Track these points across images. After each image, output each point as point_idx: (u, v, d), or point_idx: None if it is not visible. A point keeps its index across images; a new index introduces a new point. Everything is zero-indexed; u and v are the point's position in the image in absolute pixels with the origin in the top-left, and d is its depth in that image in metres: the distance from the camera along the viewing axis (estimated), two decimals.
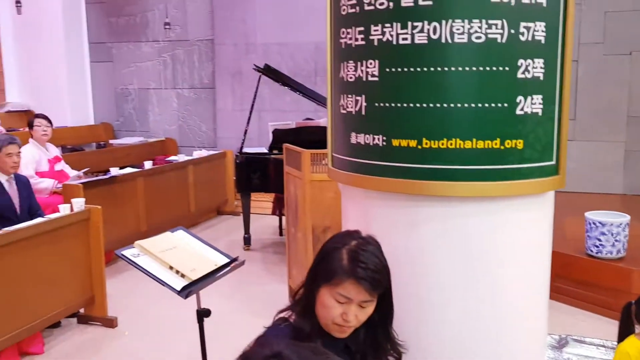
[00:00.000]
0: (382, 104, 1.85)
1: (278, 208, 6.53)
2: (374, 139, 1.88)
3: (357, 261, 1.54)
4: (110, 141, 8.38)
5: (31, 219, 4.13)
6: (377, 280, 1.56)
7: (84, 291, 4.15)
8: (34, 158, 5.36)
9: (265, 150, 6.04)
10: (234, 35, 7.67)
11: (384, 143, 1.86)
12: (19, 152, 4.28)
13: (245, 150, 5.99)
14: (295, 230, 4.35)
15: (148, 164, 6.31)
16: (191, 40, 8.06)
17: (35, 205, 4.40)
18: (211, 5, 7.81)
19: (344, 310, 1.55)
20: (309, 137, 5.39)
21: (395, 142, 1.84)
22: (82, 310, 4.25)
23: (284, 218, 6.54)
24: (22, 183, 4.34)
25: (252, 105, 6.00)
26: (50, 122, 5.59)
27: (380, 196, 1.93)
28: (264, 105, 7.14)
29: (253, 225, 6.16)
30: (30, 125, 5.53)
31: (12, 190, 4.23)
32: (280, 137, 5.68)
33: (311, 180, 4.01)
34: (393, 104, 1.82)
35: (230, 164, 7.69)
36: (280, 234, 6.58)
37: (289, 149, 4.44)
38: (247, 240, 6.06)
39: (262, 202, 7.26)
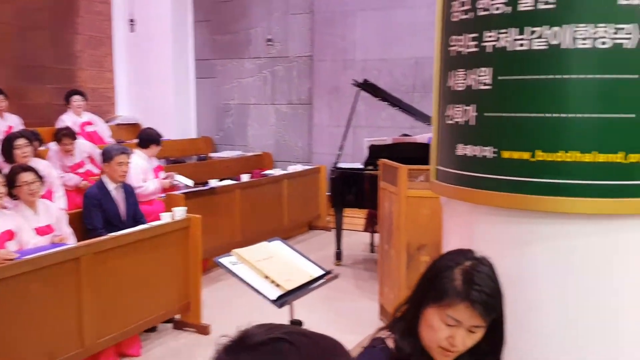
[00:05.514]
0: (493, 114, 1.76)
1: (370, 225, 6.46)
2: (482, 150, 1.79)
3: (471, 283, 1.45)
4: (211, 154, 8.68)
5: (135, 225, 4.33)
6: (491, 305, 1.46)
7: (180, 297, 4.27)
8: (141, 168, 5.61)
9: (361, 166, 6.01)
10: (333, 51, 7.75)
11: (494, 155, 1.76)
12: (129, 162, 4.50)
13: (340, 165, 5.98)
14: (388, 247, 4.26)
15: (245, 177, 6.45)
16: (291, 56, 8.23)
17: (139, 213, 4.60)
18: (312, 22, 7.95)
19: (451, 333, 1.46)
20: (405, 153, 5.28)
21: (505, 154, 1.73)
22: (177, 317, 4.38)
23: (376, 235, 6.49)
24: (128, 191, 4.56)
25: (349, 120, 6.00)
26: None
27: (487, 211, 1.83)
28: (359, 121, 7.13)
29: (344, 241, 6.12)
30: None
31: (119, 197, 4.45)
32: (376, 152, 5.62)
33: (407, 196, 3.91)
34: (505, 114, 1.72)
35: (324, 180, 7.72)
36: (372, 250, 6.49)
37: (385, 164, 4.37)
38: (338, 256, 6.04)
39: (354, 218, 7.21)
